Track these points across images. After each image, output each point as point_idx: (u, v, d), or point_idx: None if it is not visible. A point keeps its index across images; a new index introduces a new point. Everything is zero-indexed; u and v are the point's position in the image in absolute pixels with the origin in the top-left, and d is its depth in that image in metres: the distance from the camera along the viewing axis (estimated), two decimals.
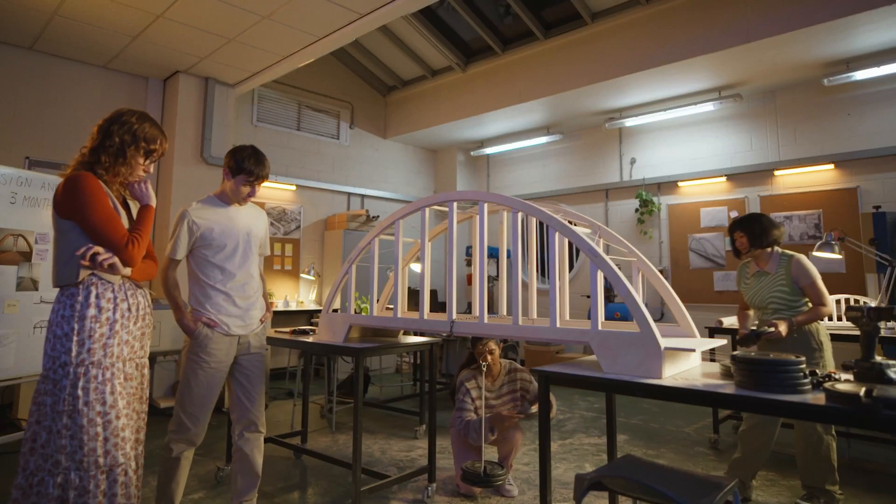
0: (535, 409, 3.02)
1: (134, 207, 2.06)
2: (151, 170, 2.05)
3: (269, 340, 3.18)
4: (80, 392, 1.76)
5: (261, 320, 2.53)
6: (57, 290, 1.89)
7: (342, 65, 7.60)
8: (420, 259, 2.56)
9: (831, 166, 5.50)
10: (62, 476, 1.74)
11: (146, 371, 2.03)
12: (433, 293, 7.50)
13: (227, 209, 2.45)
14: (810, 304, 2.87)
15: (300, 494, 3.05)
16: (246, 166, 2.38)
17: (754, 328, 2.96)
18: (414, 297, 5.58)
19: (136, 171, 1.99)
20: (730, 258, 6.06)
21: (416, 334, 3.34)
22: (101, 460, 1.78)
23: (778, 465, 3.44)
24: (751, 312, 3.14)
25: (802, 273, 2.85)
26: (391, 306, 3.09)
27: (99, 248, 1.81)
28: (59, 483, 1.74)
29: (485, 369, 3.06)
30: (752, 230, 2.96)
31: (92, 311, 1.83)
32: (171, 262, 2.36)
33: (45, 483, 1.74)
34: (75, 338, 1.79)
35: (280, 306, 6.44)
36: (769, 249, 2.98)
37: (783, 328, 2.71)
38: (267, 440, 3.66)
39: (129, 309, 1.93)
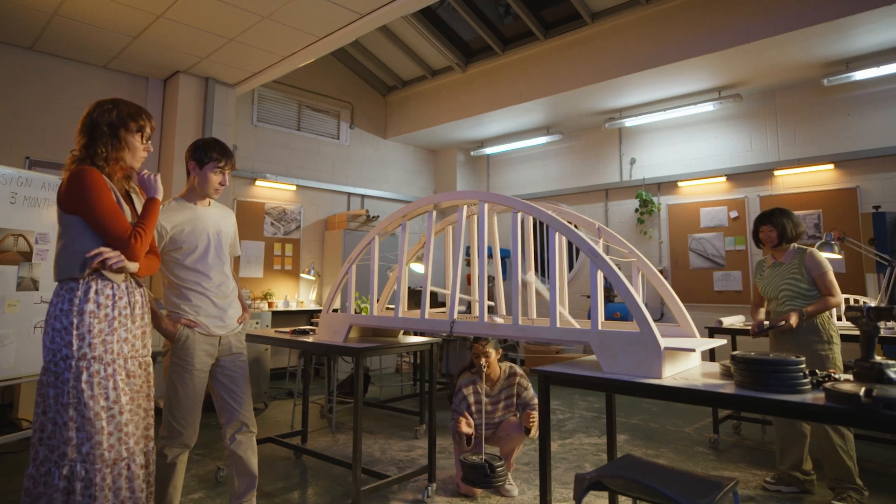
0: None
1: (138, 203, 2.05)
2: (151, 148, 2.04)
3: (270, 340, 3.19)
4: (83, 385, 1.77)
5: (238, 321, 2.49)
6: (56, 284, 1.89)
7: (342, 65, 7.61)
8: (424, 259, 2.56)
9: (831, 166, 5.50)
10: (68, 468, 1.75)
11: (151, 370, 2.02)
12: (433, 293, 7.49)
13: (196, 209, 2.41)
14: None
15: (300, 494, 3.06)
16: (212, 154, 2.36)
17: (765, 322, 3.04)
18: (414, 297, 5.58)
19: (138, 152, 1.98)
20: (730, 258, 6.07)
21: (416, 334, 3.34)
22: (106, 454, 1.79)
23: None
24: (762, 309, 3.22)
25: (814, 264, 2.98)
26: (391, 306, 3.09)
27: (109, 253, 1.80)
28: (65, 475, 1.74)
29: (485, 369, 3.05)
30: (783, 226, 3.07)
31: (90, 307, 1.82)
32: None
33: (51, 474, 1.75)
34: (75, 332, 1.79)
35: (280, 306, 6.44)
36: (789, 245, 3.12)
37: (794, 320, 2.85)
38: (267, 440, 3.68)
39: (126, 306, 1.92)
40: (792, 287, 3.01)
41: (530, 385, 3.15)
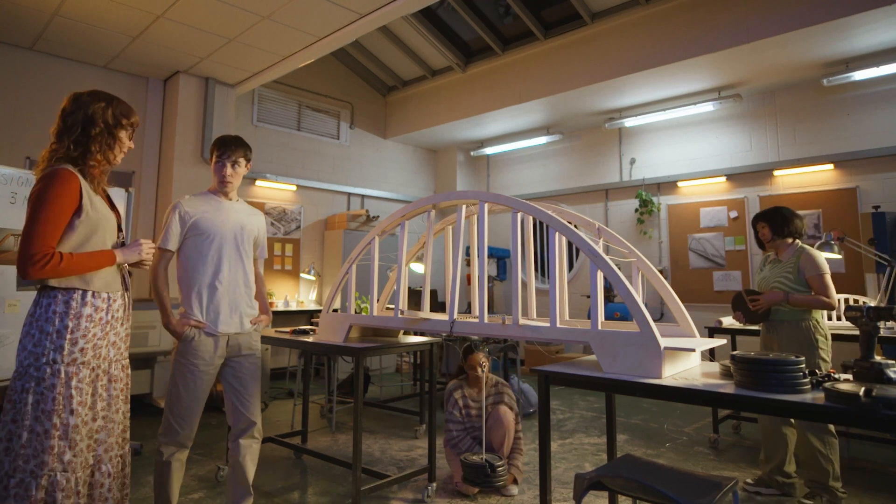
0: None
1: (118, 203, 2.00)
2: (133, 145, 1.99)
3: (270, 340, 3.18)
4: (73, 391, 1.71)
5: (252, 322, 2.46)
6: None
7: (342, 65, 7.61)
8: (423, 258, 2.56)
9: (831, 166, 5.50)
10: (47, 478, 1.66)
11: (129, 371, 1.98)
12: (433, 293, 7.49)
13: (220, 201, 2.46)
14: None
15: (300, 494, 3.06)
16: (212, 149, 2.47)
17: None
18: (414, 296, 5.58)
19: (123, 148, 1.94)
20: (730, 258, 6.07)
21: (416, 334, 3.34)
22: (90, 460, 1.76)
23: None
24: None
25: (810, 264, 2.90)
26: (391, 306, 3.09)
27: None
28: (44, 485, 1.66)
29: (484, 373, 3.14)
30: (773, 220, 3.05)
31: (88, 311, 1.78)
32: (163, 253, 2.33)
33: (25, 485, 1.64)
34: (68, 336, 1.72)
35: (280, 306, 6.44)
36: (790, 240, 3.06)
37: (769, 296, 2.89)
38: (267, 440, 3.67)
39: (120, 308, 1.89)
40: (782, 285, 2.95)
41: (514, 398, 3.28)
